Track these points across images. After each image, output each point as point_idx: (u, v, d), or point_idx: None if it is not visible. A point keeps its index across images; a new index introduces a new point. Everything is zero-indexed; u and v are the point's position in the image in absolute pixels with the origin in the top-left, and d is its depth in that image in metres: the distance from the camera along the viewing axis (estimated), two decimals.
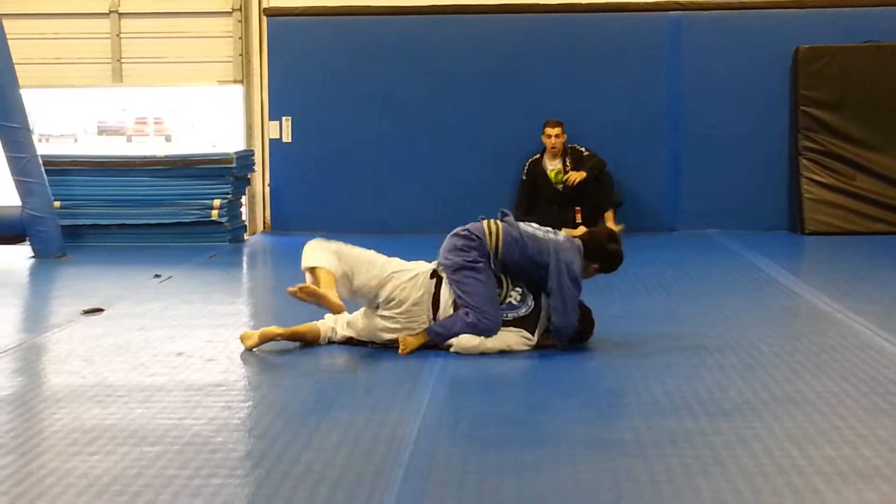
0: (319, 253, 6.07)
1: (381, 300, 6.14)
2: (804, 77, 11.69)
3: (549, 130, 11.47)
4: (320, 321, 6.42)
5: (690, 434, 4.56)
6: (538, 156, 11.59)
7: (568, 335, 6.07)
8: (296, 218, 12.29)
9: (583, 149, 11.51)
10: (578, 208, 11.48)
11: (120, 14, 12.56)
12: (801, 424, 4.65)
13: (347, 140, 12.20)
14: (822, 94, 11.67)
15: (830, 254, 10.48)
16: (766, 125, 11.92)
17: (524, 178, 11.64)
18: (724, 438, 4.47)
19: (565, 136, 11.47)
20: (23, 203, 10.39)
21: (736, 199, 11.89)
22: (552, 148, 11.47)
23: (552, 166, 11.54)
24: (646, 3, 12.03)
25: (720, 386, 5.31)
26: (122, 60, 12.62)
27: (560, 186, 11.52)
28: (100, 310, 7.44)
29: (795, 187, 11.73)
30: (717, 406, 4.98)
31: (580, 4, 12.05)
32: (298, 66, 12.25)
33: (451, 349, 6.02)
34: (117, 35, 12.57)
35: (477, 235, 6.21)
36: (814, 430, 4.57)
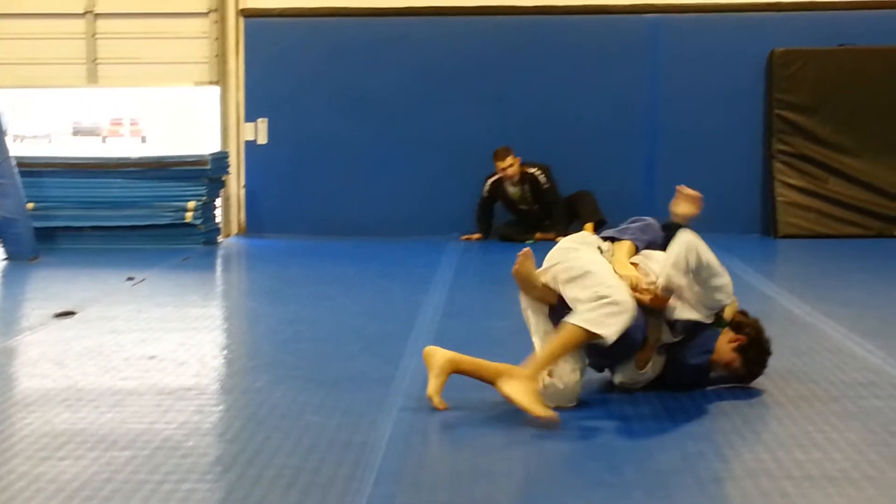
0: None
1: None
2: (779, 80, 11.74)
3: (499, 164, 11.36)
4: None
5: (662, 437, 4.57)
6: (499, 176, 11.54)
7: None
8: (271, 220, 12.27)
9: (541, 177, 11.39)
10: (548, 223, 11.51)
11: (95, 14, 12.48)
12: (771, 428, 4.67)
13: (324, 142, 12.19)
14: (797, 98, 11.72)
15: (803, 257, 10.53)
16: (741, 127, 11.97)
17: (486, 195, 11.61)
18: (695, 442, 4.48)
19: (518, 158, 11.40)
20: None
21: (710, 202, 11.68)
22: (510, 178, 11.42)
23: (512, 190, 11.52)
24: (624, 6, 12.05)
25: (692, 391, 5.32)
26: (98, 61, 12.56)
27: (525, 206, 11.51)
28: (72, 313, 7.41)
29: (769, 190, 11.78)
30: (689, 410, 4.99)
31: (557, 6, 12.06)
32: (275, 67, 12.24)
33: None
34: (93, 36, 12.51)
35: None
36: (784, 433, 4.59)
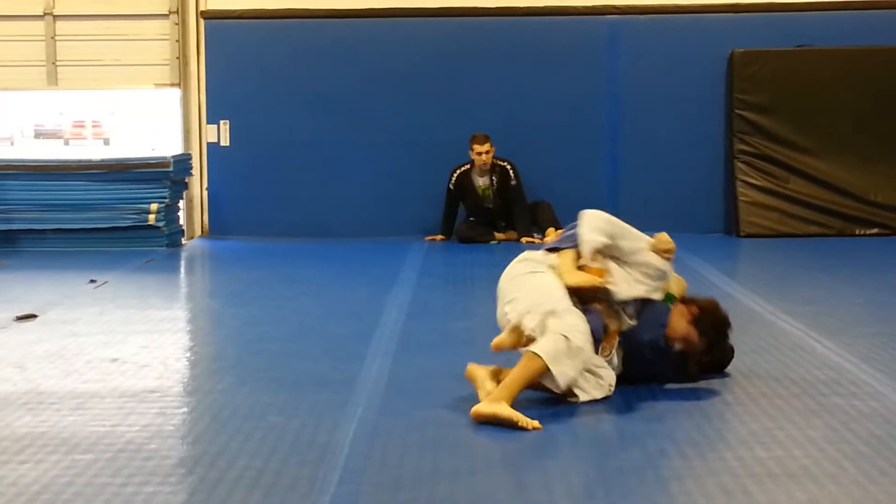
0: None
1: None
2: (739, 81, 11.81)
3: (477, 147, 11.41)
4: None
5: (624, 437, 4.59)
6: (467, 167, 11.57)
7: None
8: (234, 222, 12.23)
9: (511, 171, 11.49)
10: (504, 224, 11.55)
11: (55, 16, 12.40)
12: (732, 426, 4.70)
13: (286, 143, 12.16)
14: (757, 98, 11.79)
15: (764, 256, 10.59)
16: (701, 128, 12.01)
17: (451, 187, 11.63)
18: (657, 441, 4.50)
19: (494, 148, 11.48)
20: None
21: (672, 202, 11.97)
22: (482, 165, 11.47)
23: (480, 181, 11.56)
24: (583, 7, 12.07)
25: (654, 388, 5.34)
26: (58, 63, 12.48)
27: (489, 204, 11.55)
28: (33, 316, 7.35)
29: (731, 190, 11.84)
30: (651, 409, 5.01)
31: (518, 8, 12.08)
32: (236, 69, 12.19)
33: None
34: (52, 37, 12.43)
35: None
36: (745, 431, 4.62)
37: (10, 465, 4.21)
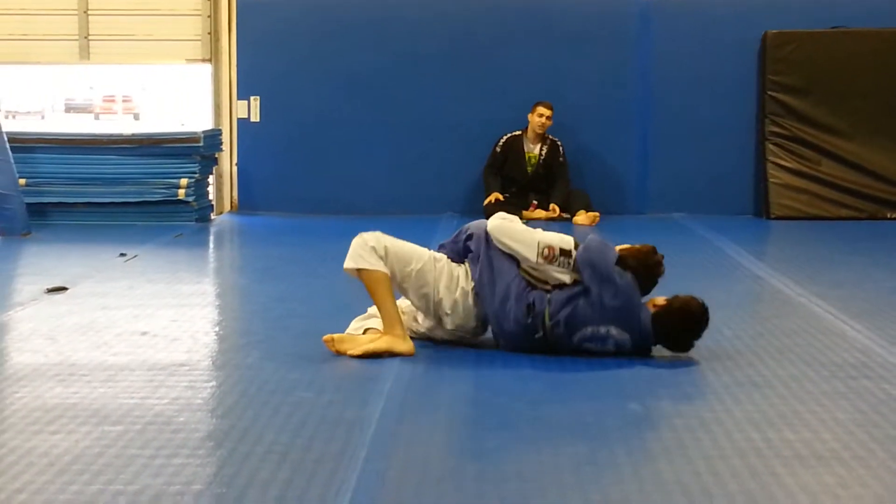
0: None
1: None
2: (772, 62, 11.74)
3: (542, 110, 11.49)
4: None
5: (652, 417, 4.59)
6: (519, 133, 11.60)
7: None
8: (263, 198, 12.27)
9: (560, 147, 11.55)
10: (535, 202, 11.55)
11: None
12: (761, 408, 4.69)
13: (316, 120, 12.18)
14: (790, 80, 11.73)
15: (795, 238, 10.54)
16: (733, 110, 11.97)
17: (497, 150, 11.64)
18: (685, 421, 4.49)
19: (552, 122, 11.51)
20: None
21: (703, 183, 11.94)
22: (539, 128, 11.48)
23: (531, 149, 11.57)
24: None
25: (683, 369, 5.34)
26: (90, 37, 12.52)
27: (531, 171, 11.56)
28: (64, 288, 7.40)
29: (762, 172, 11.79)
30: (680, 389, 5.01)
31: None
32: (267, 45, 12.21)
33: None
34: (85, 12, 12.47)
35: None
36: (774, 413, 4.61)
37: (42, 436, 4.24)
